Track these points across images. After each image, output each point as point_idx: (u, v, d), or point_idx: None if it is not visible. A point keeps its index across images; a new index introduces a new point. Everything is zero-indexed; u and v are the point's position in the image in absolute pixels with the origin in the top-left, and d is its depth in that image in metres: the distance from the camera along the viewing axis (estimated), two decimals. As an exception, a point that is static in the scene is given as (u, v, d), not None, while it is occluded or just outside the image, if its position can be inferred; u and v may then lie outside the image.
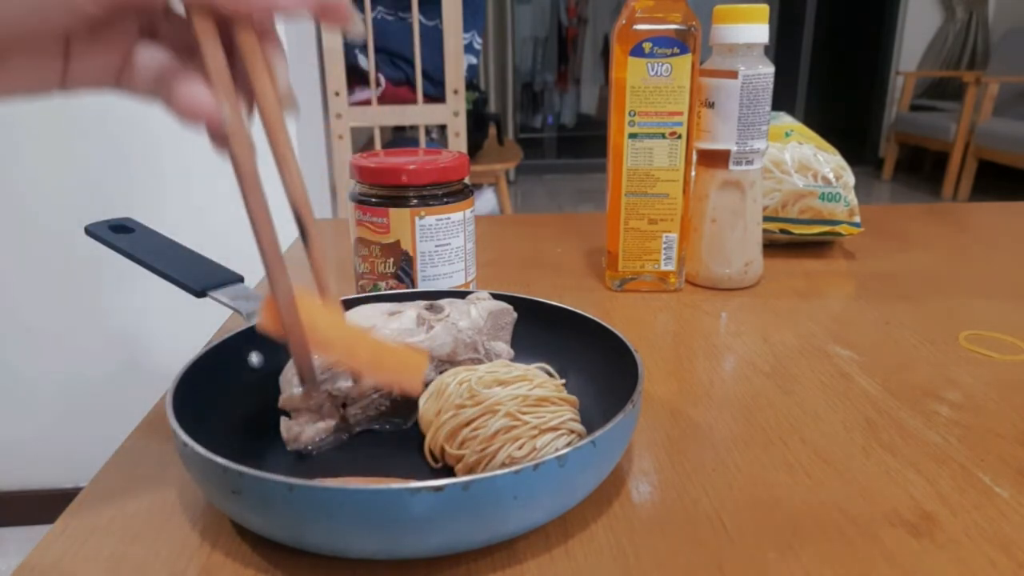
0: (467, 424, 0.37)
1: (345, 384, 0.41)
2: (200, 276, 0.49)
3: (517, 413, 0.37)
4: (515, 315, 0.47)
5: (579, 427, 0.38)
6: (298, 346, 0.34)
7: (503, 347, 0.46)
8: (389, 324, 0.43)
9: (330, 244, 0.85)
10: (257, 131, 0.32)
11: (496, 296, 0.49)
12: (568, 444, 0.37)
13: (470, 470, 0.37)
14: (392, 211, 0.54)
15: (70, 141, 1.30)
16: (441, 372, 0.43)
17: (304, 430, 0.41)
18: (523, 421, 0.37)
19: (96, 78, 0.28)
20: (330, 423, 0.41)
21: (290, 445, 0.41)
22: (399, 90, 1.80)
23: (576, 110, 5.79)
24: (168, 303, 1.41)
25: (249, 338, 0.45)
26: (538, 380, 0.39)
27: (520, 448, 0.36)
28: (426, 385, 0.42)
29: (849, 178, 0.75)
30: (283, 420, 0.41)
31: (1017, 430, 0.43)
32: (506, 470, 0.30)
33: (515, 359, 0.46)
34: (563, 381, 0.42)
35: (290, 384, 0.41)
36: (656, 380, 0.50)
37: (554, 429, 0.37)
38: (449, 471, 0.39)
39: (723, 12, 0.62)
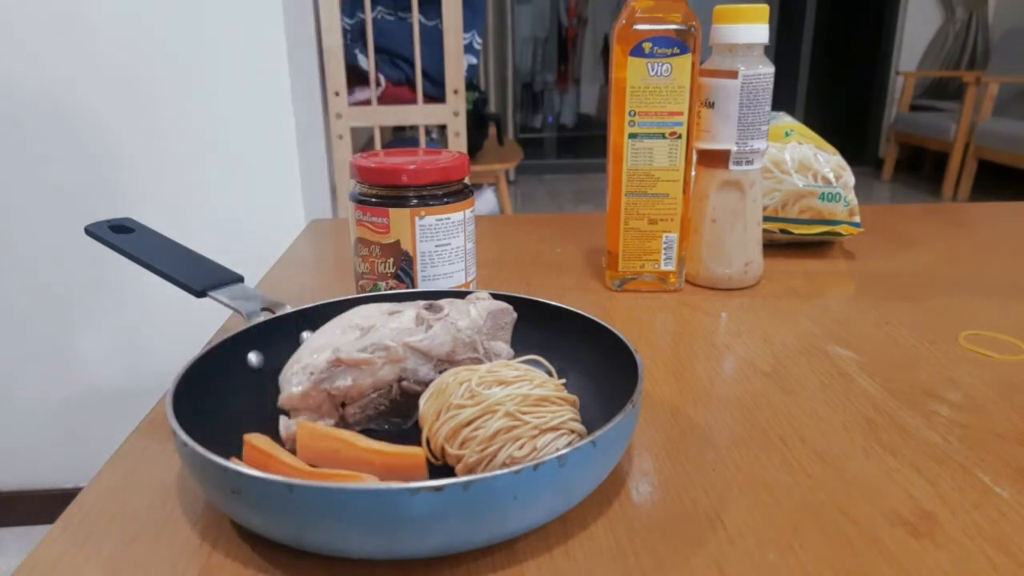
0: (467, 424, 0.37)
1: (343, 383, 0.41)
2: (200, 276, 0.49)
3: (517, 413, 0.37)
4: (515, 315, 0.47)
5: (579, 427, 0.38)
6: None
7: (503, 347, 0.46)
8: (388, 323, 0.43)
9: (330, 244, 0.85)
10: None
11: (496, 296, 0.49)
12: (569, 444, 0.37)
13: (470, 470, 0.37)
14: (392, 211, 0.54)
15: (70, 141, 1.30)
16: (441, 372, 0.43)
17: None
18: (523, 421, 0.37)
19: None
20: (329, 422, 0.41)
21: (289, 444, 0.41)
22: (399, 90, 1.80)
23: (576, 110, 5.79)
24: (168, 303, 1.41)
25: (249, 338, 0.45)
26: (538, 380, 0.39)
27: (520, 448, 0.36)
28: (426, 385, 0.42)
29: (849, 178, 0.75)
30: (282, 419, 0.41)
31: (1017, 430, 0.43)
32: (506, 470, 0.30)
33: (515, 359, 0.46)
34: (563, 381, 0.42)
35: (289, 383, 0.41)
36: (656, 380, 0.50)
37: (554, 429, 0.37)
38: (449, 471, 0.39)
39: (723, 12, 0.62)
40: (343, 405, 0.42)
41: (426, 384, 0.42)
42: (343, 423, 0.42)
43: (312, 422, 0.41)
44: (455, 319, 0.44)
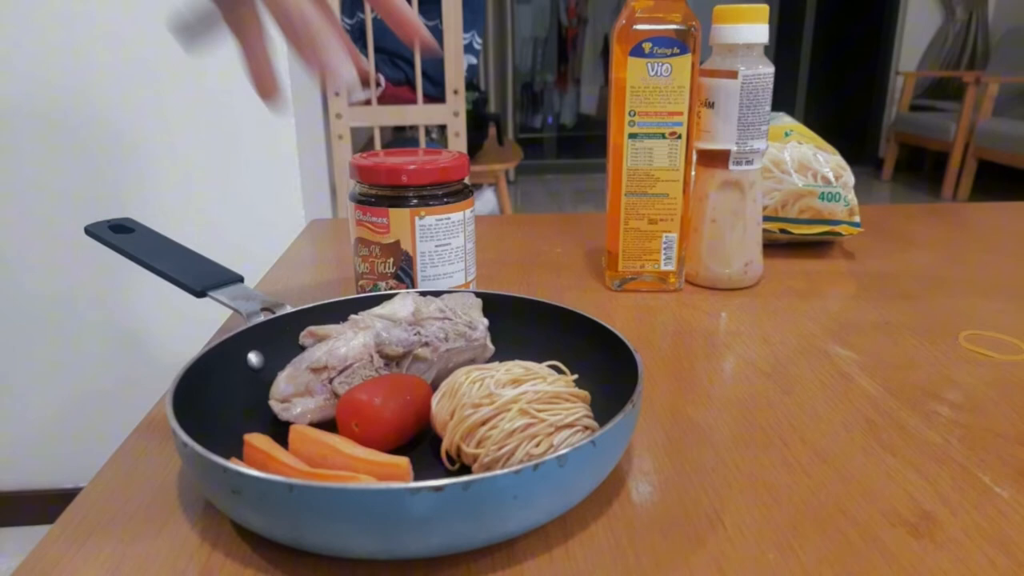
0: (484, 423, 0.37)
1: (319, 354, 0.42)
2: (200, 276, 0.49)
3: (532, 411, 0.37)
4: (478, 300, 0.49)
5: (593, 423, 0.38)
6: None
7: (478, 315, 0.48)
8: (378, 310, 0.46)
9: (330, 244, 0.85)
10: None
11: (496, 296, 0.50)
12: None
13: (487, 469, 0.37)
14: (392, 211, 0.54)
15: (70, 141, 1.30)
16: (416, 335, 0.44)
17: (293, 406, 0.41)
18: (540, 419, 0.37)
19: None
20: (319, 399, 0.42)
21: (281, 416, 0.41)
22: (399, 90, 1.80)
23: (576, 110, 5.79)
24: (168, 303, 1.41)
25: (249, 338, 0.45)
26: (551, 377, 0.39)
27: (538, 446, 0.36)
28: (406, 347, 0.44)
29: (849, 178, 0.75)
30: (272, 403, 0.41)
31: (1017, 430, 0.43)
32: (506, 470, 0.30)
33: (515, 359, 0.46)
34: (575, 376, 0.41)
35: (276, 379, 0.42)
36: (656, 380, 0.50)
37: (570, 426, 0.37)
38: (466, 472, 0.38)
39: (723, 12, 0.62)
40: (331, 380, 0.42)
41: (406, 346, 0.44)
42: (335, 397, 0.42)
43: (307, 405, 0.41)
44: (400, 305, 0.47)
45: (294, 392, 0.42)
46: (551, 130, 5.74)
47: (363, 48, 1.71)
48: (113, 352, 1.44)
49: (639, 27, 0.59)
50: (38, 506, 1.51)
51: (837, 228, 0.75)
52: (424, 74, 1.72)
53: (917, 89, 4.68)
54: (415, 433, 0.41)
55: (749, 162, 0.64)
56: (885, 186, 4.58)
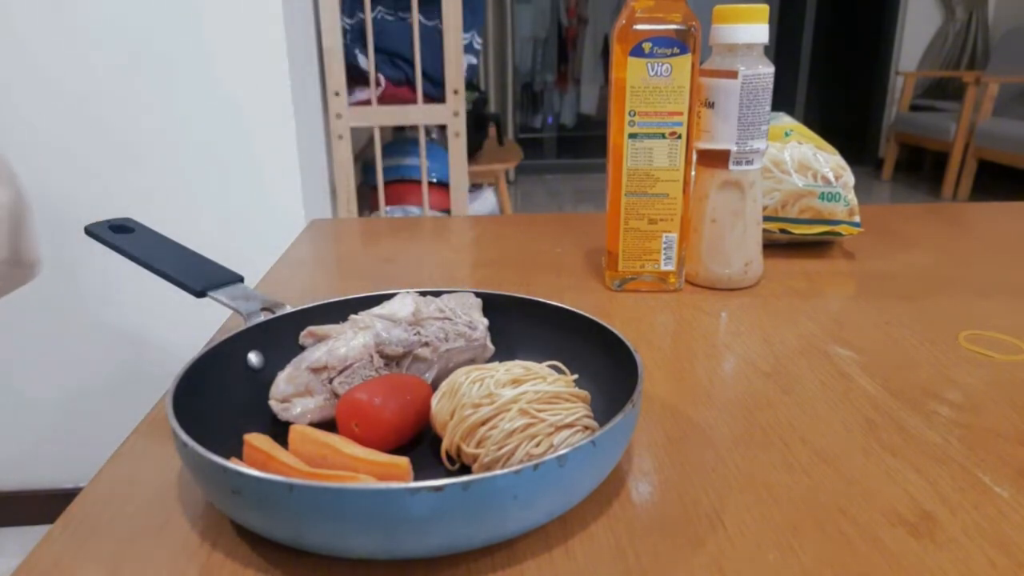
0: (484, 423, 0.37)
1: (319, 354, 0.42)
2: (200, 276, 0.49)
3: (532, 411, 0.37)
4: (478, 300, 0.49)
5: (593, 423, 0.38)
6: None
7: (478, 315, 0.48)
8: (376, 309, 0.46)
9: (330, 244, 0.85)
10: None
11: (496, 296, 0.50)
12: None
13: (487, 469, 0.37)
14: None
15: (70, 141, 1.30)
16: (416, 334, 0.44)
17: (293, 406, 0.42)
18: (540, 419, 0.37)
19: None
20: (319, 399, 0.42)
21: (281, 416, 0.42)
22: (399, 90, 1.80)
23: (576, 110, 5.79)
24: (168, 303, 1.41)
25: (249, 338, 0.45)
26: (551, 377, 0.39)
27: (538, 446, 0.36)
28: (405, 347, 0.44)
29: (849, 178, 0.75)
30: (272, 403, 0.41)
31: (1017, 430, 0.43)
32: (506, 470, 0.30)
33: (515, 359, 0.46)
34: (575, 376, 0.41)
35: (276, 379, 0.42)
36: (656, 380, 0.50)
37: (570, 426, 0.37)
38: (466, 472, 0.38)
39: (723, 12, 0.62)
40: (331, 380, 0.42)
41: (406, 346, 0.44)
42: (335, 397, 0.42)
43: (307, 405, 0.41)
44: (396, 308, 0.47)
45: (294, 392, 0.42)
46: (551, 130, 5.74)
47: (363, 48, 1.71)
48: (113, 352, 1.44)
49: (639, 27, 0.59)
50: (38, 506, 1.51)
51: (837, 228, 0.75)
52: (424, 74, 1.71)
53: (917, 89, 4.68)
54: (415, 433, 0.41)
55: (749, 162, 0.64)
56: (885, 186, 4.58)
